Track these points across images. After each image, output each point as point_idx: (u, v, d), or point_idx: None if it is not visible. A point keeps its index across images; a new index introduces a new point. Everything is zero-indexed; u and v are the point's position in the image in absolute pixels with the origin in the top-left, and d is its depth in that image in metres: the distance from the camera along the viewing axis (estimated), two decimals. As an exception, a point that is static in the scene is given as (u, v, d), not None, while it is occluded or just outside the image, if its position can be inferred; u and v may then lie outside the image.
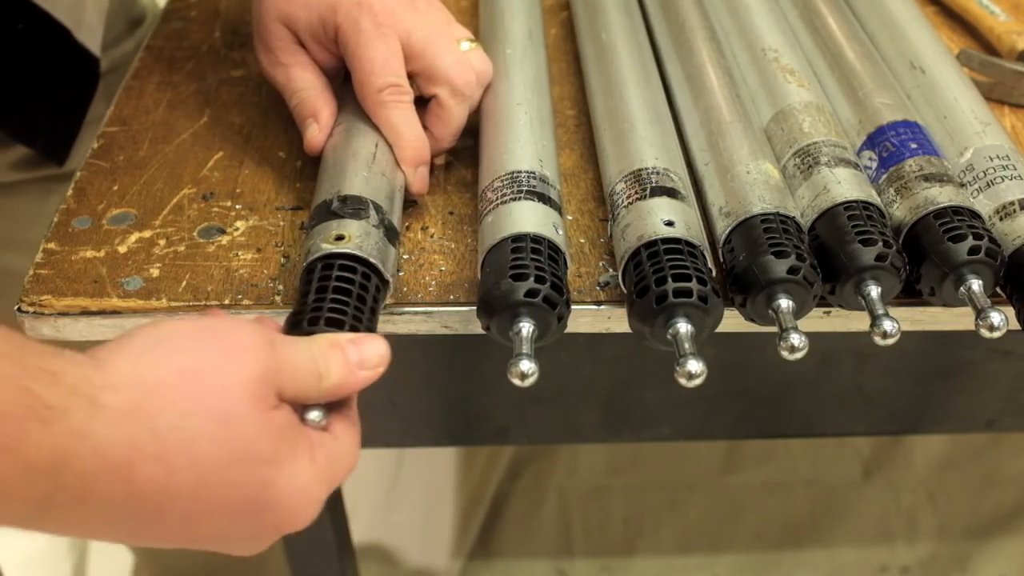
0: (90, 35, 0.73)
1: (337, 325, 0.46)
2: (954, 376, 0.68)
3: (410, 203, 0.59)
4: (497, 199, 0.54)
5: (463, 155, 0.62)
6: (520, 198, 0.53)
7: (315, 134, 0.59)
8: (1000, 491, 1.41)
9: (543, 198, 0.53)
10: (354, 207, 0.52)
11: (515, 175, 0.55)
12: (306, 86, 0.60)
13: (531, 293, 0.48)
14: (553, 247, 0.51)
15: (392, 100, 0.57)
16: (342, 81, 0.62)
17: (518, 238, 0.51)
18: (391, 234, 0.53)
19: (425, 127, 0.59)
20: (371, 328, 0.48)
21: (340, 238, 0.50)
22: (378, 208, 0.53)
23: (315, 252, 0.50)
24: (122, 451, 0.37)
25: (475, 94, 0.60)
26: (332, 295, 0.47)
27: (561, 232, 0.53)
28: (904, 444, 1.47)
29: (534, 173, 0.55)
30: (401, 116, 0.57)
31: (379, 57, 0.57)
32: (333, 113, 0.59)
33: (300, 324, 0.46)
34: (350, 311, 0.47)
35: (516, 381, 0.47)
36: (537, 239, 0.51)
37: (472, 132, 0.61)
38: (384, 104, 0.57)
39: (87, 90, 0.75)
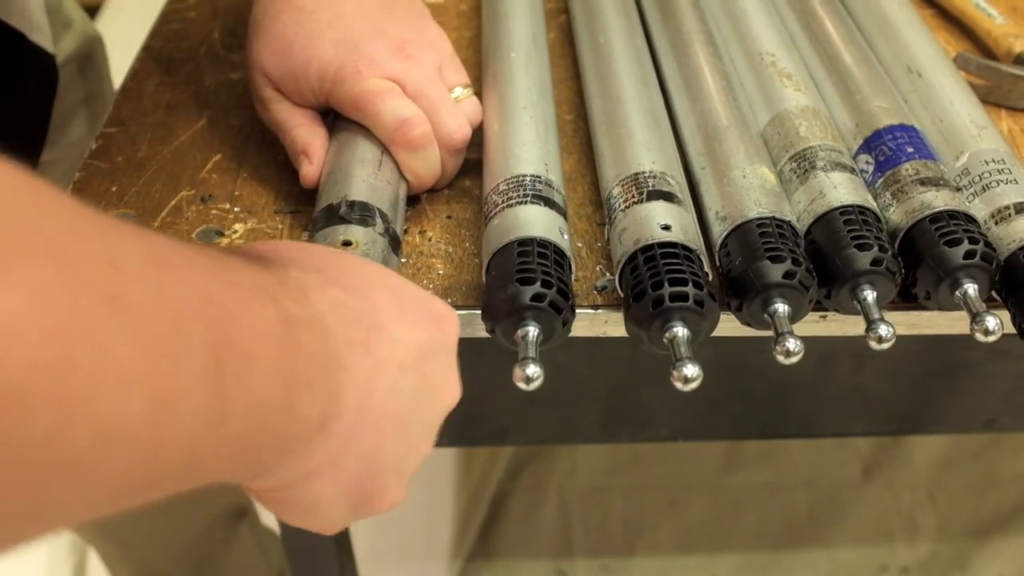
0: (42, 35, 0.74)
1: None
2: (953, 376, 0.68)
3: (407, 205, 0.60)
4: (503, 202, 0.54)
5: (463, 163, 0.62)
6: (527, 202, 0.53)
7: (307, 169, 0.58)
8: (1000, 491, 1.41)
9: (549, 202, 0.54)
10: (361, 213, 0.52)
11: (520, 179, 0.55)
12: (295, 124, 0.59)
13: (537, 297, 0.48)
14: (559, 252, 0.51)
15: (407, 141, 0.57)
16: None
17: (525, 242, 0.51)
18: (395, 243, 0.53)
19: None
20: None
21: (347, 244, 0.50)
22: (383, 216, 0.53)
23: None
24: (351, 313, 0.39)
25: (469, 140, 0.60)
26: None
27: (566, 237, 0.53)
28: (904, 444, 1.47)
29: (540, 177, 0.55)
30: (419, 160, 0.57)
31: (377, 101, 0.56)
32: (324, 144, 0.59)
33: None
34: None
35: (521, 385, 0.47)
36: (544, 243, 0.51)
37: (472, 139, 0.61)
38: (402, 147, 0.57)
39: (49, 88, 0.76)
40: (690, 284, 0.47)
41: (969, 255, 0.49)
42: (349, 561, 0.87)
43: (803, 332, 0.49)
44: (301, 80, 0.58)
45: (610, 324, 0.54)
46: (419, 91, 0.57)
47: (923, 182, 0.53)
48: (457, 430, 0.72)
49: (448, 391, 0.44)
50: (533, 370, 0.47)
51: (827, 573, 1.34)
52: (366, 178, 0.55)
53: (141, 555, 1.11)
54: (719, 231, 0.53)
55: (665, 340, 0.48)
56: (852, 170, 0.55)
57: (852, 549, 1.36)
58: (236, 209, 0.59)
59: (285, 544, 0.80)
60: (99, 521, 1.10)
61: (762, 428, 0.72)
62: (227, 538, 1.12)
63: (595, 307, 0.54)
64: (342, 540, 0.84)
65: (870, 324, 0.48)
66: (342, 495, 0.41)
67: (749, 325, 0.51)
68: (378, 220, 0.52)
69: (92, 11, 2.07)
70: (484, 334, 0.52)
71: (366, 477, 0.41)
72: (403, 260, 0.56)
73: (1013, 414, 0.70)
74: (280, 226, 0.58)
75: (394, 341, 0.40)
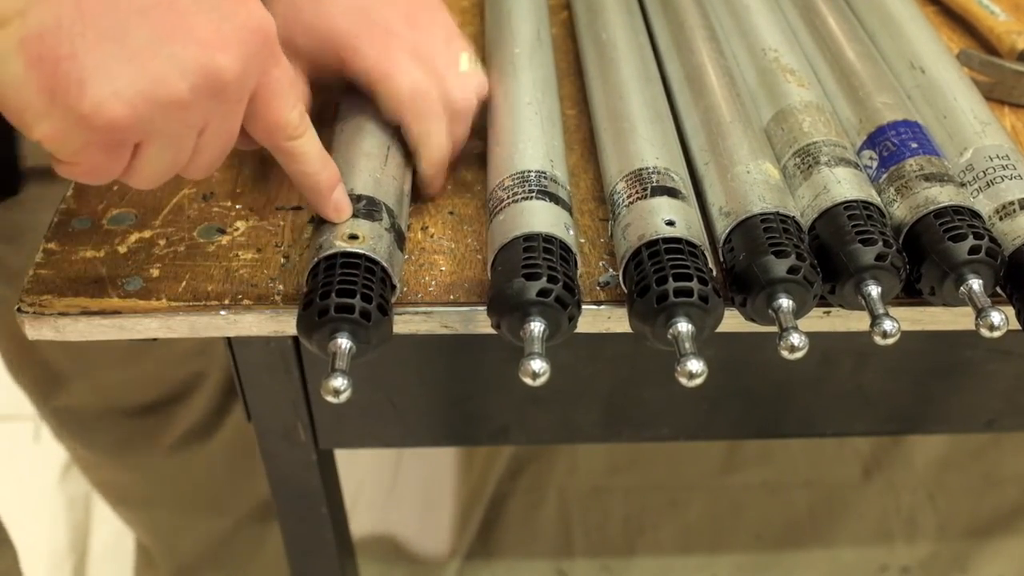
0: None
1: (349, 295, 0.47)
2: (954, 376, 0.68)
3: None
4: (508, 198, 0.54)
5: (463, 156, 0.62)
6: (532, 197, 0.53)
7: None
8: (1000, 491, 1.41)
9: (554, 198, 0.53)
10: (368, 207, 0.52)
11: (526, 174, 0.55)
12: None
13: (543, 293, 0.48)
14: (565, 247, 0.51)
15: (420, 110, 0.56)
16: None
17: (530, 237, 0.51)
18: (400, 239, 0.53)
19: None
20: (380, 324, 0.48)
21: (353, 237, 0.50)
22: (389, 211, 0.53)
23: (327, 248, 0.50)
24: None
25: (475, 112, 0.60)
26: (343, 286, 0.48)
27: (572, 233, 0.53)
28: (904, 444, 1.47)
29: (545, 173, 0.55)
30: (432, 128, 0.57)
31: (390, 68, 0.56)
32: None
33: (312, 302, 0.47)
34: (359, 289, 0.48)
35: (528, 380, 0.47)
36: (549, 239, 0.51)
37: (475, 133, 0.61)
38: (415, 117, 0.57)
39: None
40: (695, 279, 0.47)
41: (974, 250, 0.49)
42: (349, 561, 0.87)
43: (807, 328, 0.49)
44: (314, 46, 0.57)
45: (613, 320, 0.54)
46: (428, 60, 0.57)
47: (927, 178, 0.53)
48: (457, 430, 0.72)
49: (212, 48, 0.43)
50: (539, 365, 0.46)
51: (827, 573, 1.34)
52: (372, 172, 0.55)
53: (171, 548, 1.12)
54: (723, 226, 0.52)
55: (669, 336, 0.48)
56: (856, 165, 0.55)
57: (852, 549, 1.36)
58: (238, 207, 0.59)
59: (286, 544, 0.80)
60: (139, 512, 1.11)
61: (763, 428, 0.72)
62: (254, 541, 1.12)
63: (598, 303, 0.53)
64: (342, 540, 0.84)
65: (875, 319, 0.48)
66: (23, 59, 0.38)
67: (753, 321, 0.51)
68: (384, 215, 0.52)
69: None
70: (486, 330, 0.52)
71: (57, 48, 0.38)
72: (405, 256, 0.56)
73: (1014, 414, 0.70)
74: (282, 223, 0.58)
75: None
